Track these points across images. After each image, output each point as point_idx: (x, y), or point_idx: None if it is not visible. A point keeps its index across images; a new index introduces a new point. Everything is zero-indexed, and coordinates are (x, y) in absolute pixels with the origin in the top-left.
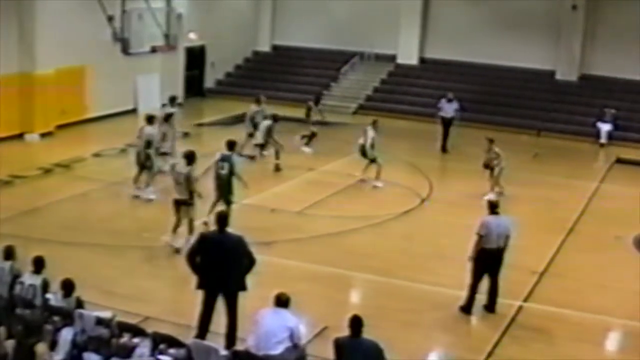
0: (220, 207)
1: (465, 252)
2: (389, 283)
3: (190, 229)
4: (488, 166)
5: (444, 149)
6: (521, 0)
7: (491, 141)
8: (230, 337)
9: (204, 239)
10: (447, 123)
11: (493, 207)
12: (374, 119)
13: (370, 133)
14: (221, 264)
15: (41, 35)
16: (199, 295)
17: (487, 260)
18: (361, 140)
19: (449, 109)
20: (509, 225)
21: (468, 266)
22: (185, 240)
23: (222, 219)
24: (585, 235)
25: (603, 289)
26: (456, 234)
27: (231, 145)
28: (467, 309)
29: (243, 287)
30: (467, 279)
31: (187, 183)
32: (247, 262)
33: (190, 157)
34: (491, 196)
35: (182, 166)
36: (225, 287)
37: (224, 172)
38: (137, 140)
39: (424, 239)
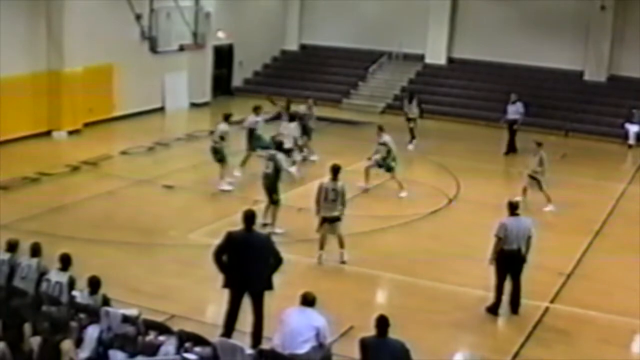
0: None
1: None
2: (415, 283)
3: (342, 244)
4: (534, 178)
5: (507, 151)
6: (550, 1)
7: (540, 144)
8: (256, 335)
9: (231, 238)
10: (510, 126)
11: (513, 209)
12: (379, 125)
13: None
14: (248, 263)
15: (69, 33)
16: (225, 293)
17: (508, 261)
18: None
19: (510, 111)
20: (529, 226)
21: (491, 268)
22: (340, 255)
23: (249, 218)
24: (613, 237)
25: (630, 291)
26: (483, 234)
27: (279, 145)
28: (493, 310)
29: (270, 286)
30: (493, 280)
31: (340, 198)
32: (273, 261)
33: (336, 171)
34: (551, 207)
35: (330, 182)
36: (252, 286)
37: (269, 171)
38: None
39: (451, 239)
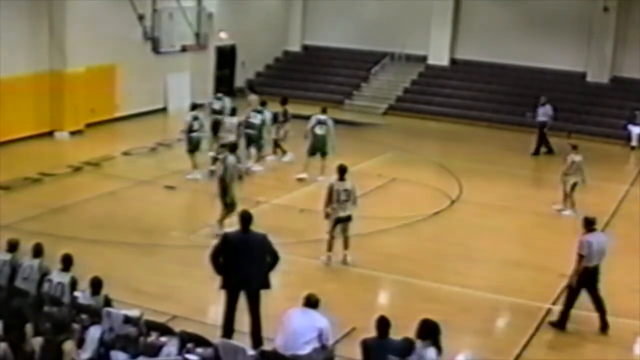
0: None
1: (495, 254)
2: (417, 284)
3: (347, 245)
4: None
5: (535, 152)
6: (553, 2)
7: (574, 147)
8: (256, 336)
9: (228, 239)
10: (539, 128)
11: (590, 224)
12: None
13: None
14: (245, 264)
15: (72, 33)
16: (223, 295)
17: (588, 278)
18: (323, 131)
19: (540, 113)
20: (606, 240)
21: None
22: (344, 256)
23: (246, 219)
24: (616, 239)
25: (633, 292)
26: (486, 236)
27: (233, 147)
28: (560, 324)
29: (267, 285)
30: (494, 283)
31: (352, 197)
32: (270, 259)
33: (343, 171)
34: (567, 212)
35: (338, 182)
36: (249, 286)
37: (220, 173)
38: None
39: (454, 241)
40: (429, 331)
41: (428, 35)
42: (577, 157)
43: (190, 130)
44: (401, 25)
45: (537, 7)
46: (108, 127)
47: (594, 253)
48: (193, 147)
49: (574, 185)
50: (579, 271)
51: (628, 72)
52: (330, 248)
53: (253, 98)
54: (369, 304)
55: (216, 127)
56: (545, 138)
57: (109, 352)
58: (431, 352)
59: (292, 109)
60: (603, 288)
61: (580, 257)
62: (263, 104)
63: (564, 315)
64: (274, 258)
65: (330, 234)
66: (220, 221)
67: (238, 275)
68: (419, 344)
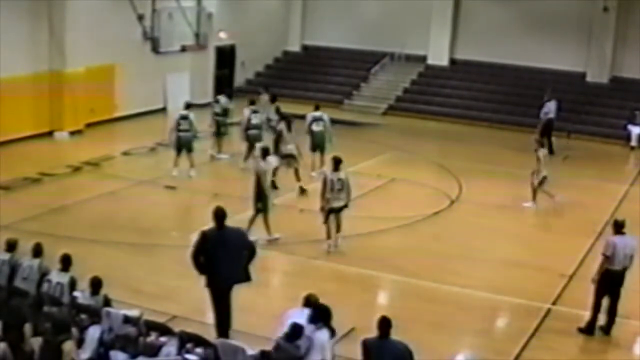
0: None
1: (495, 254)
2: (417, 284)
3: (339, 228)
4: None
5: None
6: (552, 2)
7: (540, 144)
8: (224, 327)
9: (206, 237)
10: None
11: (619, 227)
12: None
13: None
14: (225, 260)
15: (71, 33)
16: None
17: (611, 281)
18: (321, 127)
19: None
20: (635, 245)
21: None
22: (336, 239)
23: (220, 215)
24: None
25: (633, 292)
26: (486, 235)
27: (265, 152)
28: (588, 330)
29: (248, 278)
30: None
31: (346, 187)
32: (248, 253)
33: (337, 163)
34: (528, 204)
35: (333, 172)
36: (232, 282)
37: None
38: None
39: (453, 241)
40: (321, 314)
41: (428, 35)
42: (544, 151)
43: (177, 129)
44: (401, 25)
45: (537, 7)
46: (107, 127)
47: (617, 255)
48: (180, 146)
49: (544, 179)
50: (601, 271)
51: (628, 72)
52: (329, 236)
53: (263, 97)
54: (368, 304)
55: (219, 129)
56: (549, 137)
57: (108, 352)
58: (323, 334)
59: (292, 109)
60: None
61: (605, 257)
62: (252, 103)
63: (592, 320)
64: (252, 251)
65: (326, 224)
66: (267, 228)
67: (221, 271)
68: (310, 327)
